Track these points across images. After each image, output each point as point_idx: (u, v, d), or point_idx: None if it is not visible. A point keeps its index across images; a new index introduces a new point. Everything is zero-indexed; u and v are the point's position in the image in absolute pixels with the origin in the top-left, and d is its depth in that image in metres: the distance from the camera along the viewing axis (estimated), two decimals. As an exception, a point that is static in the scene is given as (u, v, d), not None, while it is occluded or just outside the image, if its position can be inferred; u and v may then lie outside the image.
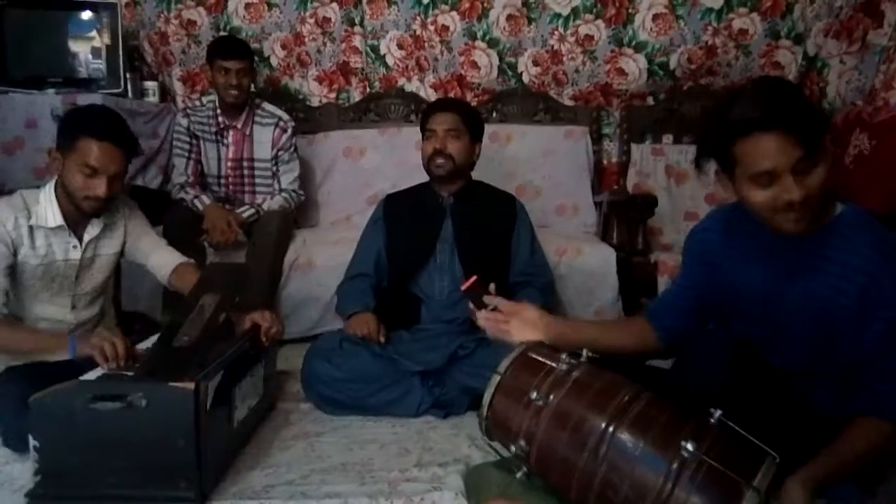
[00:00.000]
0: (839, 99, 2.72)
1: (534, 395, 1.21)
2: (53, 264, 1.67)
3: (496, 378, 1.30)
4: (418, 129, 2.18)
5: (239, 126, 2.58)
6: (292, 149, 2.64)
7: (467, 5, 2.90)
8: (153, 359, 1.43)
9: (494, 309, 1.80)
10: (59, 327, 1.69)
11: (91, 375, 1.40)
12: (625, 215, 2.47)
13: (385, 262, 2.09)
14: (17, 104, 2.34)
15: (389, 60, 3.02)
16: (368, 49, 3.01)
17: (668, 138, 2.93)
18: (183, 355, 1.40)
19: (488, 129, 2.20)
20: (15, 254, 1.61)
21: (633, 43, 2.88)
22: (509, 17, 2.90)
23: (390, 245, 2.09)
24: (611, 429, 1.11)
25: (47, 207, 1.63)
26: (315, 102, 3.08)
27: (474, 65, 2.97)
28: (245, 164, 2.61)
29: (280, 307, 2.37)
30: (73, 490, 1.27)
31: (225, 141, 2.59)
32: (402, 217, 2.11)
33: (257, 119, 2.60)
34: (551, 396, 1.20)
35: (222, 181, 2.61)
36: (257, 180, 2.62)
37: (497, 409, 1.30)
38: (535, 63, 2.96)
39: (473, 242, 2.03)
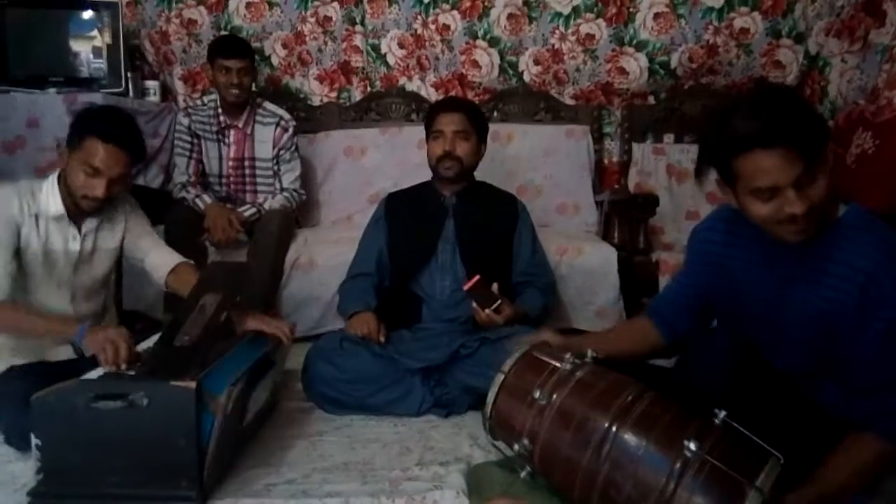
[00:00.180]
0: (840, 98, 2.72)
1: (537, 394, 1.21)
2: (54, 253, 1.67)
3: (500, 377, 1.31)
4: (419, 128, 2.17)
5: (240, 125, 2.57)
6: (293, 148, 2.64)
7: (468, 4, 2.89)
8: (154, 358, 1.43)
9: (497, 309, 1.81)
10: None
11: (93, 374, 1.40)
12: (626, 214, 2.47)
13: (386, 262, 2.08)
14: (19, 103, 2.34)
15: (390, 59, 3.02)
16: (369, 48, 3.01)
17: (669, 137, 2.93)
18: (184, 355, 1.40)
19: (489, 128, 2.20)
20: (18, 236, 1.62)
21: (634, 42, 2.88)
22: (510, 16, 2.90)
23: (392, 244, 2.09)
24: (614, 428, 1.11)
25: (50, 197, 1.65)
26: (316, 102, 3.08)
27: (475, 64, 2.97)
28: (246, 163, 2.60)
29: (281, 307, 2.37)
30: (75, 489, 1.27)
31: (226, 140, 2.59)
32: (404, 216, 2.11)
33: (258, 118, 2.59)
34: (555, 396, 1.20)
35: (223, 180, 2.61)
36: (258, 180, 2.62)
37: (501, 408, 1.30)
38: (536, 62, 2.96)
39: (475, 242, 2.02)
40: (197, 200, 2.48)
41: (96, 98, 2.34)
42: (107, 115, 1.66)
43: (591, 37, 2.89)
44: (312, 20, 2.97)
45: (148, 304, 2.40)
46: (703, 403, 1.11)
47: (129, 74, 2.66)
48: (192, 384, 1.24)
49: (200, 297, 1.58)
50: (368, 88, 3.06)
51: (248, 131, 2.59)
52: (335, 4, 2.95)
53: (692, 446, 1.03)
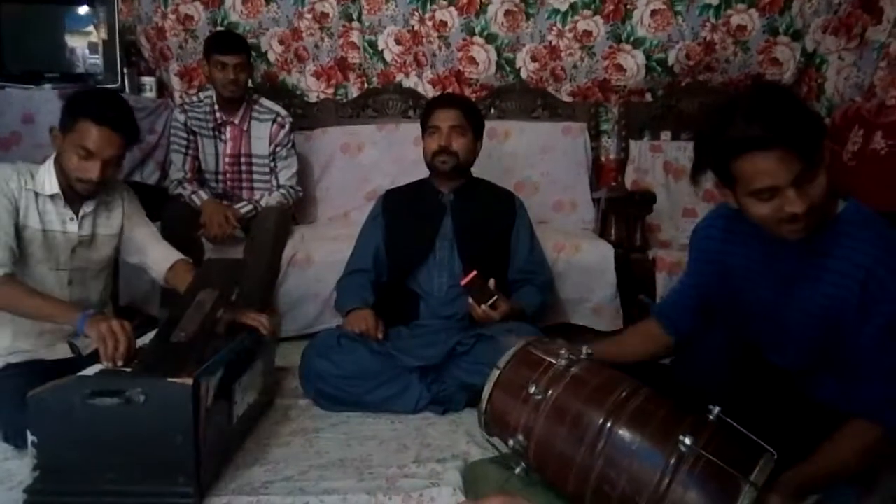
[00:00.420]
0: (837, 95, 2.72)
1: (532, 389, 1.21)
2: (52, 233, 1.67)
3: (496, 373, 1.31)
4: (416, 124, 2.17)
5: (236, 122, 2.57)
6: (290, 144, 2.63)
7: (465, 1, 2.89)
8: (151, 354, 1.43)
9: (493, 305, 1.81)
10: None
11: (89, 371, 1.40)
12: (623, 212, 2.47)
13: (384, 258, 2.09)
14: (14, 99, 2.33)
15: (387, 56, 3.02)
16: (366, 44, 3.00)
17: (666, 135, 2.93)
18: (181, 351, 1.39)
19: (486, 125, 2.20)
20: (18, 212, 1.62)
21: (632, 39, 2.88)
22: (507, 13, 2.90)
23: (389, 241, 2.09)
24: (608, 424, 1.12)
25: (45, 177, 1.65)
26: (313, 98, 3.08)
27: (472, 60, 2.97)
28: (243, 159, 2.60)
29: (278, 303, 2.37)
30: (72, 486, 1.27)
31: (222, 136, 2.58)
32: (402, 213, 2.11)
33: (255, 115, 2.59)
34: (550, 391, 1.21)
35: (220, 177, 2.61)
36: (255, 176, 2.61)
37: (496, 403, 1.30)
38: (534, 59, 2.96)
39: (473, 239, 2.02)
40: (193, 197, 2.47)
41: (92, 93, 2.33)
42: (99, 97, 1.66)
43: (588, 34, 2.89)
44: (309, 16, 2.97)
45: (144, 300, 2.40)
46: (698, 399, 1.12)
47: (125, 70, 2.65)
48: (189, 381, 1.24)
49: (197, 294, 1.58)
50: (365, 85, 3.05)
51: (245, 128, 2.58)
52: (332, 0, 2.94)
53: (687, 441, 1.03)
